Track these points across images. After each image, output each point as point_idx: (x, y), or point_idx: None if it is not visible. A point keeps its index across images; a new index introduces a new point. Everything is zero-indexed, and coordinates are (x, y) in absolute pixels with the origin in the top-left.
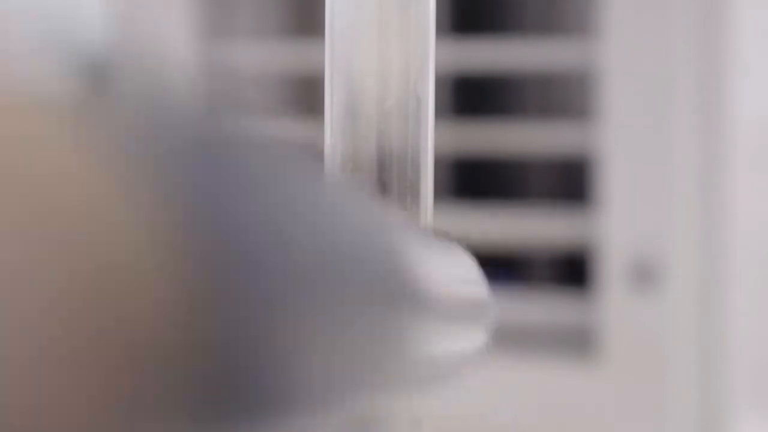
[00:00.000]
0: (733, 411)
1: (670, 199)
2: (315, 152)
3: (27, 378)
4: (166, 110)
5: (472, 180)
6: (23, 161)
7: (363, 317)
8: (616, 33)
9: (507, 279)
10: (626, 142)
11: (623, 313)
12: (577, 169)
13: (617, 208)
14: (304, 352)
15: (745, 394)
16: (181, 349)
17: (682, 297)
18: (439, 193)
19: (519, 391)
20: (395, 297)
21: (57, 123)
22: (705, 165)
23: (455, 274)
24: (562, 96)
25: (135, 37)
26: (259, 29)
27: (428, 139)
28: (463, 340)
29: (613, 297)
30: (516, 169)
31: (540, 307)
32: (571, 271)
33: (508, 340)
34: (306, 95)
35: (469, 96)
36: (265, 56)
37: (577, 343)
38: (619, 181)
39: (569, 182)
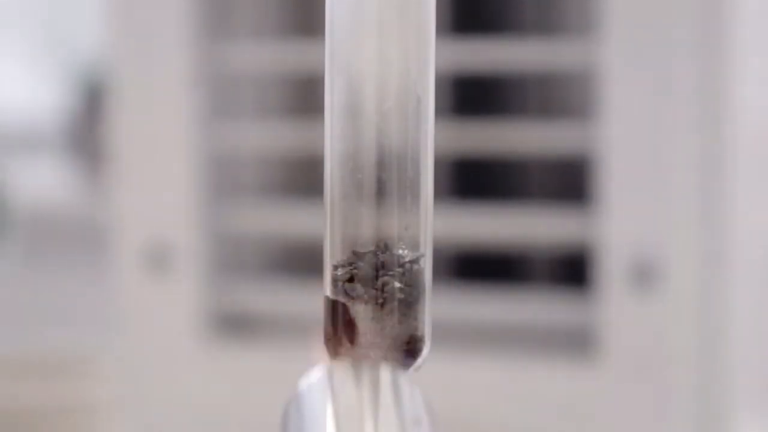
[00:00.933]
0: (734, 411)
1: (670, 199)
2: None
3: None
4: None
5: (472, 180)
6: None
7: None
8: (616, 33)
9: (507, 279)
10: (626, 142)
11: (623, 313)
12: (577, 168)
13: (617, 208)
14: None
15: (746, 394)
16: None
17: (682, 297)
18: (439, 193)
19: (518, 391)
20: None
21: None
22: (705, 165)
23: None
24: (562, 96)
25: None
26: (259, 29)
27: (428, 139)
28: None
29: (613, 297)
30: (516, 168)
31: (540, 307)
32: (571, 271)
33: (508, 340)
34: (306, 95)
35: (469, 96)
36: (265, 56)
37: (577, 343)
38: (619, 181)
39: (569, 182)
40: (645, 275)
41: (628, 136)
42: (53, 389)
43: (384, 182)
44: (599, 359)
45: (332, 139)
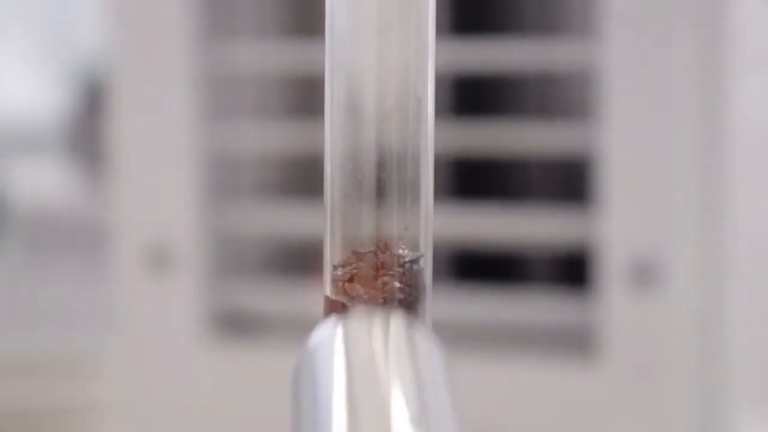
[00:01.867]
0: (734, 411)
1: (670, 199)
2: None
3: None
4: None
5: (472, 180)
6: None
7: None
8: (616, 33)
9: (507, 279)
10: (626, 142)
11: (623, 313)
12: (577, 169)
13: (617, 208)
14: None
15: (746, 394)
16: None
17: (682, 297)
18: (439, 193)
19: (518, 391)
20: None
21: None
22: (706, 165)
23: None
24: (562, 96)
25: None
26: (259, 29)
27: (428, 139)
28: None
29: (614, 297)
30: (516, 169)
31: (540, 307)
32: (571, 271)
33: (508, 340)
34: (306, 95)
35: (469, 96)
36: (265, 56)
37: (577, 343)
38: (619, 181)
39: (569, 182)
40: (645, 275)
41: (628, 136)
42: (53, 389)
43: (384, 182)
44: (599, 359)
45: (332, 139)
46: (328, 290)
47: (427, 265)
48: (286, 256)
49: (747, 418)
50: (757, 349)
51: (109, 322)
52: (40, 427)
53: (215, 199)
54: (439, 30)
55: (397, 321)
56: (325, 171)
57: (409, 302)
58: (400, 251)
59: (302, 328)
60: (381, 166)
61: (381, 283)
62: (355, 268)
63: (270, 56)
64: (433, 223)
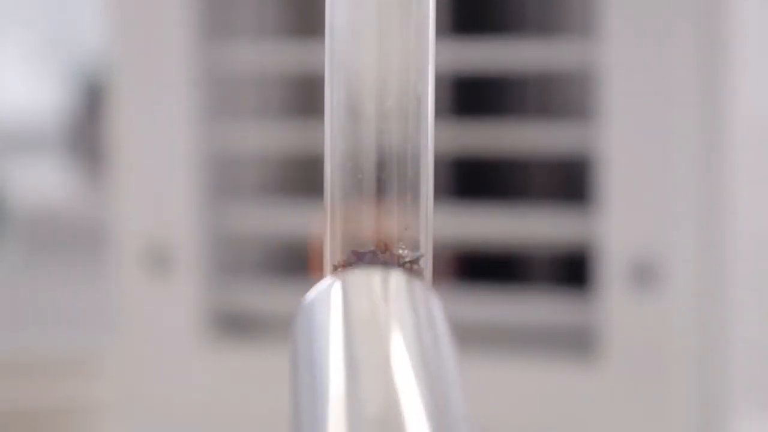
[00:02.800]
0: (734, 411)
1: (670, 199)
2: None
3: None
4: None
5: (472, 180)
6: None
7: None
8: (616, 33)
9: (507, 279)
10: (626, 142)
11: (623, 313)
12: (577, 168)
13: (617, 208)
14: None
15: (745, 394)
16: None
17: (682, 297)
18: (439, 193)
19: (519, 391)
20: None
21: None
22: (706, 165)
23: None
24: (562, 96)
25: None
26: (259, 29)
27: (428, 139)
28: None
29: (614, 297)
30: (516, 168)
31: (540, 307)
32: (571, 270)
33: (508, 340)
34: (306, 95)
35: (469, 96)
36: (265, 56)
37: (577, 343)
38: (619, 181)
39: (569, 182)
40: (645, 275)
41: (628, 136)
42: (53, 389)
43: (384, 182)
44: (599, 359)
45: (332, 139)
46: None
47: (427, 265)
48: (286, 256)
49: (747, 418)
50: (757, 350)
51: (109, 322)
52: (40, 427)
53: (215, 199)
54: (439, 30)
55: (397, 276)
56: (325, 171)
57: None
58: (400, 251)
59: None
60: (381, 166)
61: None
62: (355, 268)
63: (270, 56)
64: (433, 223)
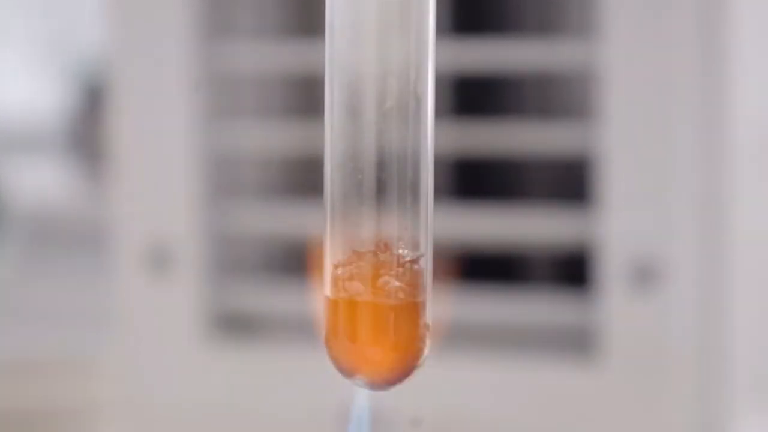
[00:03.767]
0: (734, 411)
1: (670, 199)
2: None
3: None
4: None
5: (472, 180)
6: None
7: None
8: (616, 33)
9: (507, 279)
10: (626, 142)
11: (624, 313)
12: (577, 169)
13: (617, 208)
14: None
15: (745, 393)
16: None
17: (682, 297)
18: (439, 193)
19: (518, 391)
20: None
21: None
22: (706, 165)
23: None
24: (562, 96)
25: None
26: (259, 29)
27: (428, 139)
28: None
29: (614, 297)
30: (516, 169)
31: (540, 307)
32: (571, 271)
33: (508, 340)
34: (306, 95)
35: (469, 96)
36: (265, 56)
37: (577, 343)
38: (619, 181)
39: (569, 182)
40: (645, 275)
41: (628, 136)
42: (53, 390)
43: (384, 182)
44: (599, 359)
45: (332, 139)
46: (328, 290)
47: (427, 265)
48: (286, 256)
49: (746, 418)
50: (756, 349)
51: (109, 322)
52: (40, 427)
53: (215, 200)
54: (439, 30)
55: None
56: (325, 171)
57: (409, 302)
58: (400, 251)
59: (302, 328)
60: (381, 166)
61: (381, 282)
62: (355, 268)
63: (270, 56)
64: (433, 223)
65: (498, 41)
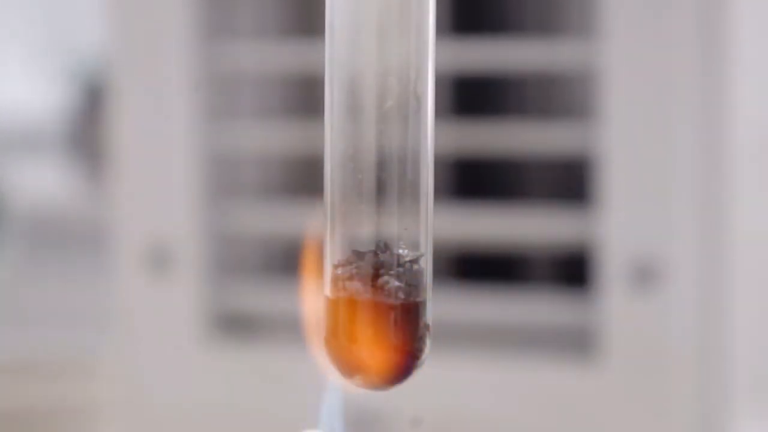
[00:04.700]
0: (734, 411)
1: (670, 199)
2: None
3: None
4: None
5: (472, 180)
6: None
7: None
8: (616, 33)
9: (507, 279)
10: (626, 142)
11: (624, 313)
12: (577, 169)
13: (617, 208)
14: None
15: (745, 393)
16: None
17: (682, 297)
18: (439, 193)
19: (518, 391)
20: None
21: None
22: (706, 165)
23: None
24: (562, 96)
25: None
26: (259, 29)
27: (428, 139)
28: None
29: (614, 297)
30: (516, 168)
31: (540, 307)
32: (571, 271)
33: (508, 340)
34: (306, 95)
35: (469, 96)
36: (265, 56)
37: (577, 343)
38: (619, 181)
39: (569, 182)
40: (645, 275)
41: (628, 136)
42: (53, 390)
43: (384, 182)
44: (599, 359)
45: (332, 139)
46: (328, 290)
47: (427, 265)
48: (286, 256)
49: (746, 418)
50: (756, 349)
51: (108, 322)
52: (39, 427)
53: (215, 199)
54: (439, 30)
55: None
56: (325, 171)
57: (409, 302)
58: (400, 251)
59: (302, 328)
60: (381, 166)
61: (381, 282)
62: (355, 268)
63: (270, 56)
64: (433, 223)
65: (498, 41)
